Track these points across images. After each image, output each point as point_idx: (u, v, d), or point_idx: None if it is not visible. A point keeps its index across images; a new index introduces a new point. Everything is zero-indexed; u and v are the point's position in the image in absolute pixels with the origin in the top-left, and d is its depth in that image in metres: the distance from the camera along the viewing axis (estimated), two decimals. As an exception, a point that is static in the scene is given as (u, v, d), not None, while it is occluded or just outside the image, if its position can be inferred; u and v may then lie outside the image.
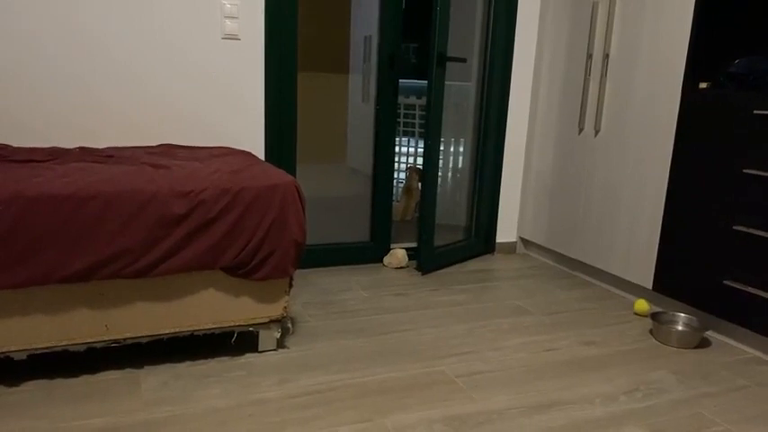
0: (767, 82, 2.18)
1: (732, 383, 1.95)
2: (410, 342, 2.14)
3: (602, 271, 2.85)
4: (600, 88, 2.72)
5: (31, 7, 2.22)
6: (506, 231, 3.35)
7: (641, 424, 1.69)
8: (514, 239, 3.38)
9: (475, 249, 3.26)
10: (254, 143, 2.65)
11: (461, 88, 3.19)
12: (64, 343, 1.73)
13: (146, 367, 1.86)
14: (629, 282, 2.71)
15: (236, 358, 1.95)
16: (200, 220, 1.77)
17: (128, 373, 1.83)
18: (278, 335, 2.01)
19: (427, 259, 2.92)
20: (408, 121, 4.58)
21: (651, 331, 2.34)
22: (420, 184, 3.49)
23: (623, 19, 2.60)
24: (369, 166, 3.04)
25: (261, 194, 1.84)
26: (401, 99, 4.33)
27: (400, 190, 3.84)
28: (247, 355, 1.98)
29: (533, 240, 3.23)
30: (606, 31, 2.67)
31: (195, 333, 1.89)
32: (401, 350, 2.08)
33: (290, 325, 2.16)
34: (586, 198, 2.85)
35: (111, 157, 2.09)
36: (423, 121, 4.47)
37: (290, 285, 1.99)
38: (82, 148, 2.24)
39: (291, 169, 2.74)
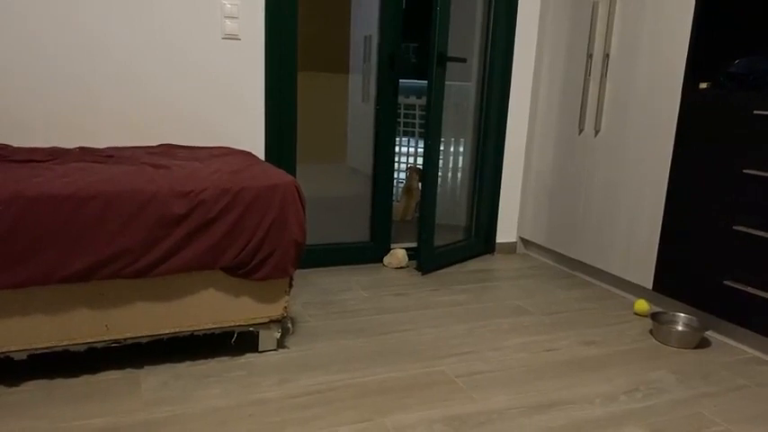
0: (767, 82, 2.18)
1: (732, 383, 1.95)
2: (410, 342, 2.14)
3: (603, 271, 2.85)
4: (600, 88, 2.72)
5: (32, 7, 2.22)
6: (506, 231, 3.35)
7: (641, 424, 1.69)
8: (514, 239, 3.38)
9: (475, 249, 3.26)
10: (254, 143, 2.65)
11: (461, 88, 3.19)
12: (64, 343, 1.73)
13: (146, 367, 1.86)
14: (629, 282, 2.71)
15: (236, 358, 1.95)
16: (201, 220, 1.77)
17: (128, 373, 1.83)
18: (278, 335, 2.01)
19: (427, 259, 2.92)
20: (408, 120, 4.58)
21: (651, 331, 2.34)
22: (420, 183, 3.49)
23: (623, 19, 2.60)
24: (369, 166, 3.04)
25: (261, 194, 1.84)
26: (401, 99, 4.33)
27: (400, 190, 3.84)
28: (247, 355, 1.98)
29: (533, 240, 3.23)
30: (606, 31, 2.67)
31: (195, 333, 1.89)
32: (401, 350, 2.08)
33: (290, 325, 2.16)
34: (586, 198, 2.85)
35: (111, 157, 2.09)
36: (423, 121, 4.47)
37: (290, 285, 1.99)
38: (82, 148, 2.24)
39: (291, 169, 2.74)
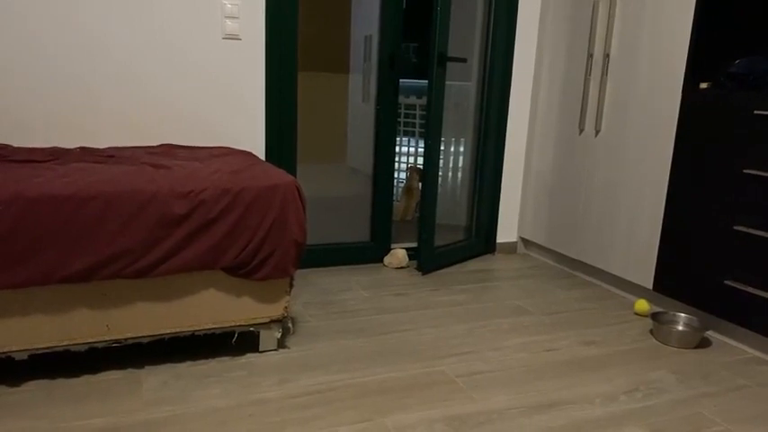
0: (767, 82, 2.18)
1: (732, 383, 1.96)
2: (410, 342, 2.15)
3: (603, 271, 2.85)
4: (600, 88, 2.72)
5: (32, 7, 2.22)
6: (507, 231, 3.35)
7: (641, 424, 1.69)
8: (515, 239, 3.38)
9: (475, 249, 3.26)
10: (255, 143, 2.65)
11: (462, 88, 3.19)
12: (65, 343, 1.73)
13: (147, 367, 1.87)
14: (629, 282, 2.71)
15: (236, 358, 1.95)
16: (201, 220, 1.77)
17: (129, 373, 1.83)
18: (278, 335, 2.01)
19: (427, 259, 2.92)
20: (409, 120, 4.58)
21: (651, 331, 2.34)
22: (420, 183, 3.49)
23: (624, 19, 2.60)
24: (369, 166, 3.04)
25: (261, 194, 1.84)
26: (401, 99, 4.33)
27: (400, 190, 3.84)
28: (248, 355, 1.98)
29: (534, 240, 3.23)
30: (607, 31, 2.67)
31: (196, 333, 1.89)
32: (401, 350, 2.08)
33: (290, 325, 2.16)
34: (587, 198, 2.85)
35: (111, 157, 2.09)
36: (423, 121, 4.47)
37: (291, 285, 1.99)
38: (82, 148, 2.24)
39: (292, 169, 2.74)
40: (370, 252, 3.04)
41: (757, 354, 2.18)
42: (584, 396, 1.83)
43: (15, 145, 2.29)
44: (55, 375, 1.78)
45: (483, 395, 1.80)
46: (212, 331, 1.91)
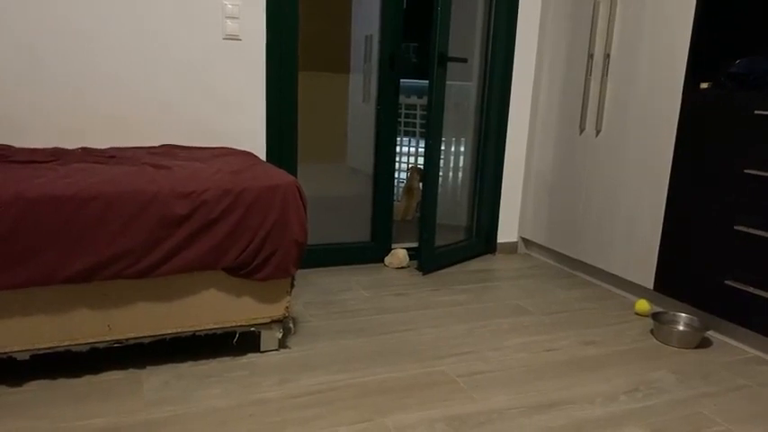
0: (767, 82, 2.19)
1: (732, 383, 1.96)
2: (411, 342, 2.15)
3: (603, 271, 2.85)
4: (601, 88, 2.72)
5: (33, 7, 2.23)
6: (507, 231, 3.35)
7: (641, 424, 1.69)
8: (515, 239, 3.38)
9: (476, 249, 3.26)
10: (255, 143, 2.66)
11: (462, 88, 3.19)
12: (67, 343, 1.74)
13: (148, 367, 1.87)
14: (629, 282, 2.72)
15: (237, 358, 1.96)
16: (202, 220, 1.78)
17: (130, 373, 1.83)
18: (280, 335, 2.02)
19: (428, 259, 2.93)
20: (409, 120, 4.59)
21: (652, 331, 2.34)
22: (421, 183, 3.50)
23: (624, 19, 2.60)
24: (370, 166, 3.04)
25: (262, 195, 1.85)
26: (402, 99, 4.33)
27: (401, 190, 3.84)
28: (249, 355, 1.99)
29: (534, 240, 3.24)
30: (607, 30, 2.67)
31: (197, 333, 1.90)
32: (402, 350, 2.08)
33: (291, 325, 2.17)
34: (587, 198, 2.85)
35: (112, 157, 2.09)
36: (423, 121, 4.47)
37: (292, 285, 1.99)
38: (84, 149, 2.25)
39: (292, 169, 2.75)
40: (370, 252, 3.04)
41: (758, 354, 2.18)
42: (585, 396, 1.83)
43: (17, 146, 2.29)
44: (56, 375, 1.79)
45: (483, 395, 1.81)
46: (213, 331, 1.91)
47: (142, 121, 2.45)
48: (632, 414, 1.74)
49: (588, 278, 2.96)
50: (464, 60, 2.98)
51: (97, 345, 1.78)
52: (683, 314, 2.34)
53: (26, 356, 1.71)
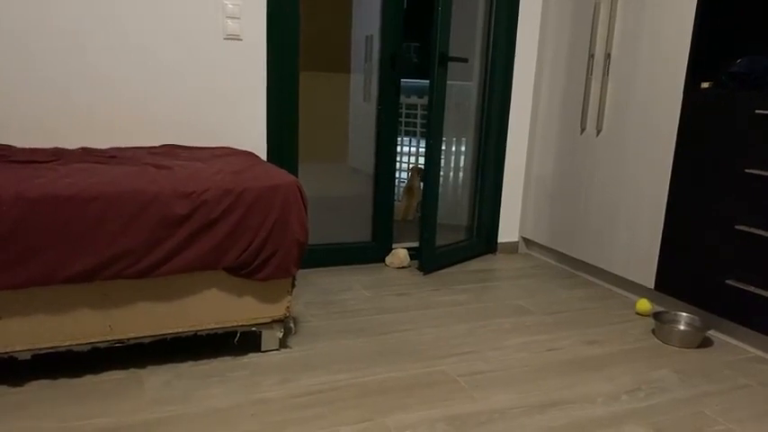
0: (769, 81, 2.18)
1: (734, 382, 1.96)
2: (411, 342, 2.15)
3: (604, 270, 2.85)
4: (602, 88, 2.72)
5: (33, 7, 2.23)
6: (508, 231, 3.35)
7: (643, 423, 1.69)
8: (516, 239, 3.38)
9: (477, 249, 3.26)
10: (256, 143, 2.66)
11: (463, 88, 3.19)
12: (68, 343, 1.74)
13: (149, 367, 1.87)
14: (630, 281, 2.71)
15: (238, 358, 1.96)
16: (203, 220, 1.78)
17: (131, 372, 1.83)
18: (280, 335, 2.02)
19: (429, 259, 2.93)
20: (410, 120, 4.59)
21: (653, 331, 2.34)
22: (421, 183, 3.50)
23: (625, 19, 2.60)
24: (370, 166, 3.04)
25: (263, 195, 1.85)
26: (403, 99, 4.33)
27: (402, 189, 3.84)
28: (250, 354, 1.99)
29: (535, 240, 3.23)
30: (608, 30, 2.67)
31: (198, 333, 1.90)
32: (402, 350, 2.08)
33: (292, 325, 2.17)
34: (588, 197, 2.85)
35: (113, 157, 2.09)
36: (424, 121, 4.47)
37: (293, 285, 1.99)
38: (84, 149, 2.25)
39: (293, 169, 2.75)
40: (371, 252, 3.04)
41: (759, 353, 2.18)
42: (586, 395, 1.83)
43: (18, 146, 2.29)
44: (57, 375, 1.79)
45: (484, 395, 1.81)
46: (214, 331, 1.91)
47: (143, 120, 2.46)
48: (634, 413, 1.74)
49: (589, 278, 2.96)
50: (465, 60, 2.98)
51: (98, 344, 1.78)
52: (685, 314, 2.34)
53: (27, 356, 1.71)
